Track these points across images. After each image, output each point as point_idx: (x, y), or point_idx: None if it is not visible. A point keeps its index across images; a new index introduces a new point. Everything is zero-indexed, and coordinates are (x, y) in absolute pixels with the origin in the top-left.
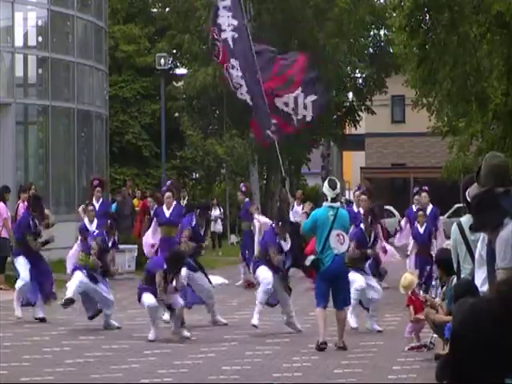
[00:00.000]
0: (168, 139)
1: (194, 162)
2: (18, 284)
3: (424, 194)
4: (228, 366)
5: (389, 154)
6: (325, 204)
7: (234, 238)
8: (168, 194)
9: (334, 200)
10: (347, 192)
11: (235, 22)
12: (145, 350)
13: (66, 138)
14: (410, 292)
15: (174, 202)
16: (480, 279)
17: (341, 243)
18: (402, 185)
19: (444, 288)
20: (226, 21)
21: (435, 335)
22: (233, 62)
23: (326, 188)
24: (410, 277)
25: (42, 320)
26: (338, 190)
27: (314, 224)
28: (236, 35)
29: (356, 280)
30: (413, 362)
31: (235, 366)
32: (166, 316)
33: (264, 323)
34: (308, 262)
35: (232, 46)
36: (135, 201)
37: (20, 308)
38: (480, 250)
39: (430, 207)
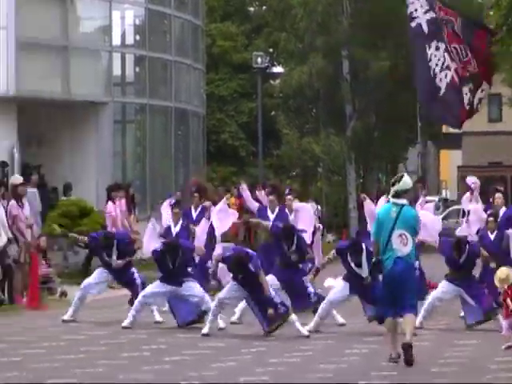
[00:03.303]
0: (264, 138)
1: (290, 161)
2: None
3: (498, 195)
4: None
5: (486, 152)
6: (390, 200)
7: (330, 237)
8: (271, 197)
9: (398, 196)
10: (444, 191)
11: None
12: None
13: (163, 136)
14: (506, 286)
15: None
16: None
17: (404, 244)
18: (500, 184)
19: None
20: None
21: None
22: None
23: (394, 183)
24: (506, 270)
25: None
26: (405, 186)
27: (380, 225)
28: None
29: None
30: (511, 361)
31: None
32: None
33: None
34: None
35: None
36: (232, 199)
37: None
38: None
39: (502, 210)
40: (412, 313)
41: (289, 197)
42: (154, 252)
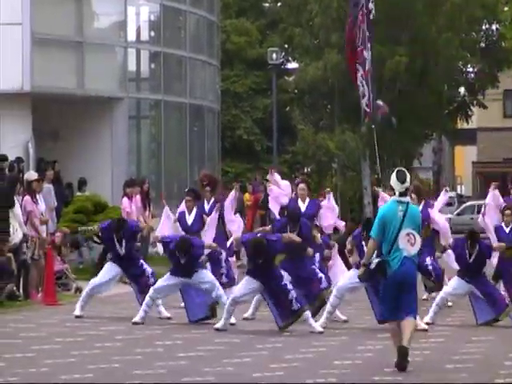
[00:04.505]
0: (279, 134)
1: (305, 157)
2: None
3: None
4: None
5: (501, 148)
6: (393, 198)
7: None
8: (302, 185)
9: (402, 194)
10: (459, 187)
11: None
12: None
13: (178, 132)
14: None
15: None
16: None
17: (411, 244)
18: None
19: None
20: None
21: None
22: None
23: (393, 181)
24: None
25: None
26: (407, 184)
27: (382, 225)
28: None
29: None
30: None
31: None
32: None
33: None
34: (373, 266)
35: None
36: (247, 195)
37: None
38: None
39: None
40: (413, 316)
41: (301, 185)
42: (165, 245)
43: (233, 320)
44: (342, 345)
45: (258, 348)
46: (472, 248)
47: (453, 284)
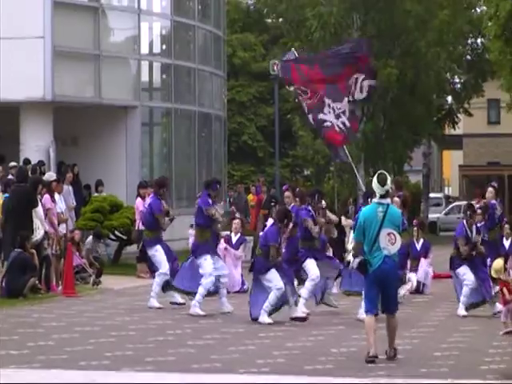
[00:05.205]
0: (280, 139)
1: (304, 160)
2: (161, 277)
3: (489, 189)
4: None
5: (485, 153)
6: (374, 200)
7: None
8: (287, 193)
9: (383, 197)
10: (446, 189)
11: None
12: (260, 333)
13: (187, 138)
14: (501, 276)
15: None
16: None
17: (392, 243)
18: (497, 182)
19: None
20: None
21: None
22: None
23: (374, 184)
24: (502, 261)
25: (181, 304)
26: (387, 187)
27: (362, 226)
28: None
29: None
30: (507, 345)
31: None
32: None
33: None
34: (355, 265)
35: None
36: (250, 196)
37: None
38: None
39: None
40: (395, 313)
41: (286, 193)
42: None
43: (230, 309)
44: (339, 334)
45: (261, 336)
46: (471, 219)
47: (463, 274)
